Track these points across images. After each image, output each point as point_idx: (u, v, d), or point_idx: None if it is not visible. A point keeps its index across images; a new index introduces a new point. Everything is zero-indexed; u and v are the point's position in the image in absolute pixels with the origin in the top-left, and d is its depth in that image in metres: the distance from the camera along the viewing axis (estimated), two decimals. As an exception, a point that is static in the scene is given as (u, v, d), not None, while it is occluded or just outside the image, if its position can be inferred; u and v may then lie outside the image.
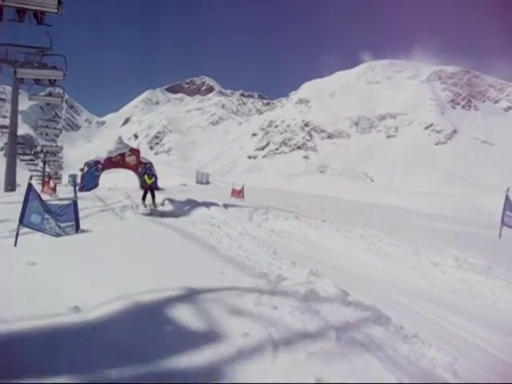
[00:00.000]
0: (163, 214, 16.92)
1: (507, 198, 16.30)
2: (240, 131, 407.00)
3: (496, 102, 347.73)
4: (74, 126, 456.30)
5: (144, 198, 21.40)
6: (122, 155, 35.42)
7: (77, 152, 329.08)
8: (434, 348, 4.11)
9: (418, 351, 4.00)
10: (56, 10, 18.25)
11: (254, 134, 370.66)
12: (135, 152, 36.12)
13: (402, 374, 3.40)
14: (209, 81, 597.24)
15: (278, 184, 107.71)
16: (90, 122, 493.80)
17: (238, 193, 34.20)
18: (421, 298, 6.10)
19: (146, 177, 22.56)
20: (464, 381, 3.51)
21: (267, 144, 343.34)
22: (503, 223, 16.04)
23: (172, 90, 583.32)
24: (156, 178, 23.03)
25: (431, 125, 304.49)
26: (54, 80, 24.94)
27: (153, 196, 21.64)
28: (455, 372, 3.64)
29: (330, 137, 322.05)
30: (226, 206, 17.84)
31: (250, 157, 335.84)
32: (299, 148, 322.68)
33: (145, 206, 20.70)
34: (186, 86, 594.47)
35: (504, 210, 16.23)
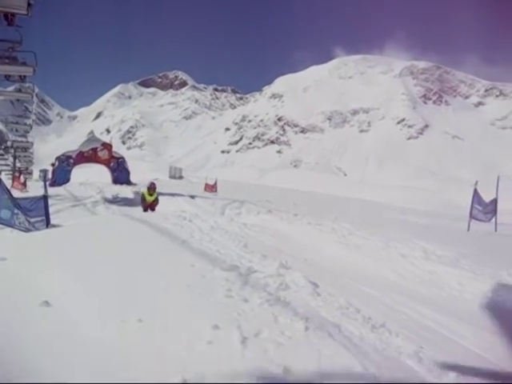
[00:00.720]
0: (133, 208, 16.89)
1: (475, 191, 16.61)
2: (213, 126, 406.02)
3: (467, 97, 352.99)
4: (45, 121, 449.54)
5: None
6: (94, 150, 35.23)
7: (48, 147, 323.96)
8: (401, 337, 4.21)
9: (385, 340, 4.09)
10: (26, 12, 18.10)
11: (227, 129, 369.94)
12: (107, 146, 35.96)
13: (368, 361, 3.47)
14: (182, 75, 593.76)
15: (251, 178, 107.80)
16: (61, 117, 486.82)
17: (211, 187, 34.27)
18: (390, 290, 6.19)
19: (145, 192, 18.32)
20: (428, 367, 3.60)
21: (240, 139, 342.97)
22: (471, 216, 16.36)
23: (145, 84, 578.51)
24: (157, 198, 18.47)
25: (403, 120, 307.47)
26: (24, 76, 24.64)
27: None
28: (420, 359, 3.73)
29: (303, 131, 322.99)
30: (198, 200, 17.84)
31: (223, 151, 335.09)
32: (272, 142, 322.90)
33: None
34: (159, 80, 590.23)
35: (472, 203, 16.55)
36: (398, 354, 3.80)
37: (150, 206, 18.14)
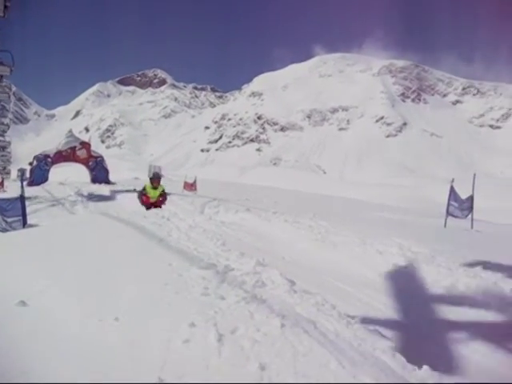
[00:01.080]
0: (111, 208, 16.69)
1: (452, 188, 16.83)
2: (193, 124, 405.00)
3: (444, 95, 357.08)
4: (22, 120, 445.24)
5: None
6: (73, 149, 34.98)
7: (26, 146, 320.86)
8: (376, 333, 4.26)
9: (360, 336, 4.12)
10: (2, 14, 17.96)
11: (206, 127, 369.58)
12: (86, 145, 35.73)
13: (343, 357, 3.51)
14: (161, 73, 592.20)
15: (231, 177, 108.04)
16: (39, 115, 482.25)
17: (191, 186, 34.22)
18: (365, 286, 6.25)
19: (147, 185, 14.62)
20: (402, 362, 3.64)
21: (220, 137, 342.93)
22: (448, 213, 16.57)
23: (123, 82, 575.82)
24: (164, 192, 14.99)
25: (382, 117, 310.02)
26: (1, 75, 24.39)
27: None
28: (394, 355, 3.78)
29: (282, 129, 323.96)
30: (177, 198, 17.78)
31: (202, 150, 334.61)
32: (252, 141, 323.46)
33: None
34: (138, 78, 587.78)
35: (449, 200, 16.76)
36: (372, 350, 3.84)
37: (154, 205, 14.35)
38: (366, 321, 4.57)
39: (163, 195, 14.72)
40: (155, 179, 14.49)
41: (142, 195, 14.52)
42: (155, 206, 14.25)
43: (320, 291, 5.30)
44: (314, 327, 4.10)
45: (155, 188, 14.49)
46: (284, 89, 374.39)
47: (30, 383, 3.10)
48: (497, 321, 5.46)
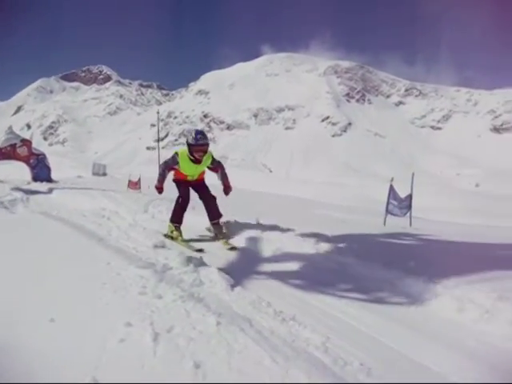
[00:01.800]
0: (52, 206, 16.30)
1: (391, 187, 17.21)
2: (138, 122, 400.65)
3: (388, 96, 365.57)
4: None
5: (177, 218, 8.90)
6: (13, 146, 33.98)
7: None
8: (309, 329, 4.35)
9: (294, 333, 4.22)
10: None
11: (152, 125, 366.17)
12: (26, 143, 34.78)
13: (277, 354, 3.60)
14: (106, 70, 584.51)
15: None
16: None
17: (135, 184, 33.90)
18: (303, 282, 6.34)
19: (181, 154, 8.46)
20: (334, 357, 3.75)
21: (166, 135, 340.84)
22: (387, 211, 16.92)
23: (67, 78, 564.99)
24: (217, 162, 9.56)
25: (327, 117, 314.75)
26: None
27: (212, 209, 9.43)
28: (326, 349, 3.89)
29: (229, 128, 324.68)
30: (121, 197, 17.54)
31: (148, 148, 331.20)
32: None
33: (181, 239, 8.52)
34: (83, 74, 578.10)
35: (388, 199, 17.12)
36: (306, 346, 3.94)
37: (198, 183, 9.17)
38: (300, 317, 4.66)
39: (216, 168, 9.32)
40: (199, 146, 8.18)
41: (169, 169, 8.59)
42: (201, 190, 9.18)
43: (257, 289, 5.39)
44: (250, 325, 4.18)
45: (197, 162, 8.57)
46: (231, 87, 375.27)
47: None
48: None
